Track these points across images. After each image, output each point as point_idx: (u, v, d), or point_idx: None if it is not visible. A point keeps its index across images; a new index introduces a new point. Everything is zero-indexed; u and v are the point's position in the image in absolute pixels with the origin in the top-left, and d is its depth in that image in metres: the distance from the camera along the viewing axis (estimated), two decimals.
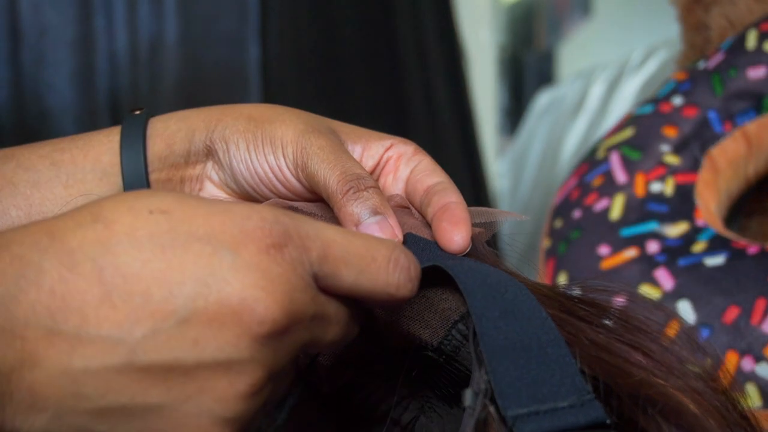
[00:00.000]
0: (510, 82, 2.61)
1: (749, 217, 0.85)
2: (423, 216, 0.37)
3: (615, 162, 0.75)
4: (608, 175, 0.74)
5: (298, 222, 0.27)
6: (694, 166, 0.73)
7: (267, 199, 0.39)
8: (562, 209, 0.76)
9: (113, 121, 1.12)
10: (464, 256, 0.35)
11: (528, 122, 1.92)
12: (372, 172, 0.40)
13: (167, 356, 0.24)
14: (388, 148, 0.40)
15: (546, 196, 1.50)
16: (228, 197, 0.40)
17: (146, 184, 0.38)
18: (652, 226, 0.69)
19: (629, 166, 0.74)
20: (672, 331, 0.34)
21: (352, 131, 0.40)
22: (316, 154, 0.36)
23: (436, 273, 0.32)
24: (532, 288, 0.32)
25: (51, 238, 0.24)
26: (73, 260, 0.24)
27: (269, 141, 0.37)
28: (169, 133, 0.39)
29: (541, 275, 0.74)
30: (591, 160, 0.78)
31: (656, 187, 0.72)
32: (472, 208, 0.38)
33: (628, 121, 0.79)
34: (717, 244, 0.66)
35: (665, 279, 0.64)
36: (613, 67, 1.53)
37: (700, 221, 0.69)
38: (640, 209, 0.71)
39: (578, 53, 2.25)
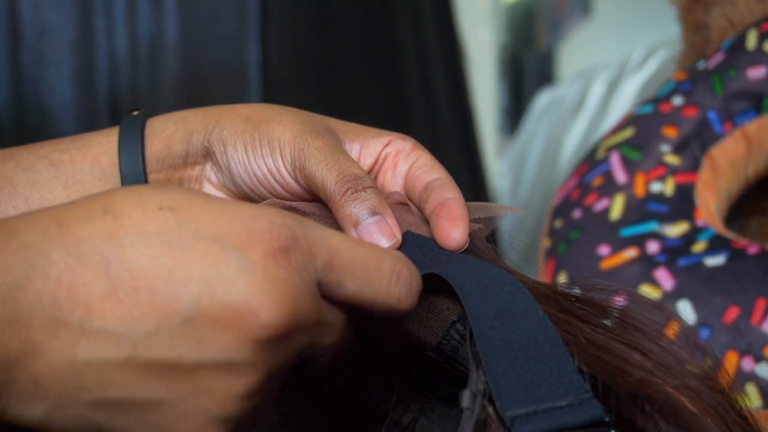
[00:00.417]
0: (510, 82, 2.61)
1: (749, 217, 0.85)
2: (422, 212, 0.37)
3: (615, 162, 0.75)
4: (608, 175, 0.74)
5: (305, 227, 0.27)
6: (694, 166, 0.73)
7: (265, 200, 0.38)
8: (562, 209, 0.76)
9: (113, 122, 1.12)
10: (462, 252, 0.35)
11: (528, 122, 1.92)
12: (371, 169, 0.40)
13: (169, 354, 0.24)
14: (386, 145, 0.39)
15: (546, 196, 1.50)
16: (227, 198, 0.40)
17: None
18: (652, 226, 0.69)
19: (629, 166, 0.74)
20: (671, 331, 0.34)
21: (350, 129, 0.40)
22: (314, 155, 0.36)
23: (434, 274, 0.32)
24: (530, 286, 0.32)
25: (59, 227, 0.24)
26: (81, 251, 0.24)
27: (267, 142, 0.37)
28: (167, 134, 0.38)
29: (541, 275, 0.74)
30: (591, 160, 0.78)
31: (656, 187, 0.72)
32: (471, 203, 0.38)
33: (628, 121, 0.79)
34: (717, 244, 0.66)
35: (665, 279, 0.64)
36: (613, 67, 1.53)
37: (700, 221, 0.69)
38: (640, 209, 0.71)
39: (578, 53, 2.25)
